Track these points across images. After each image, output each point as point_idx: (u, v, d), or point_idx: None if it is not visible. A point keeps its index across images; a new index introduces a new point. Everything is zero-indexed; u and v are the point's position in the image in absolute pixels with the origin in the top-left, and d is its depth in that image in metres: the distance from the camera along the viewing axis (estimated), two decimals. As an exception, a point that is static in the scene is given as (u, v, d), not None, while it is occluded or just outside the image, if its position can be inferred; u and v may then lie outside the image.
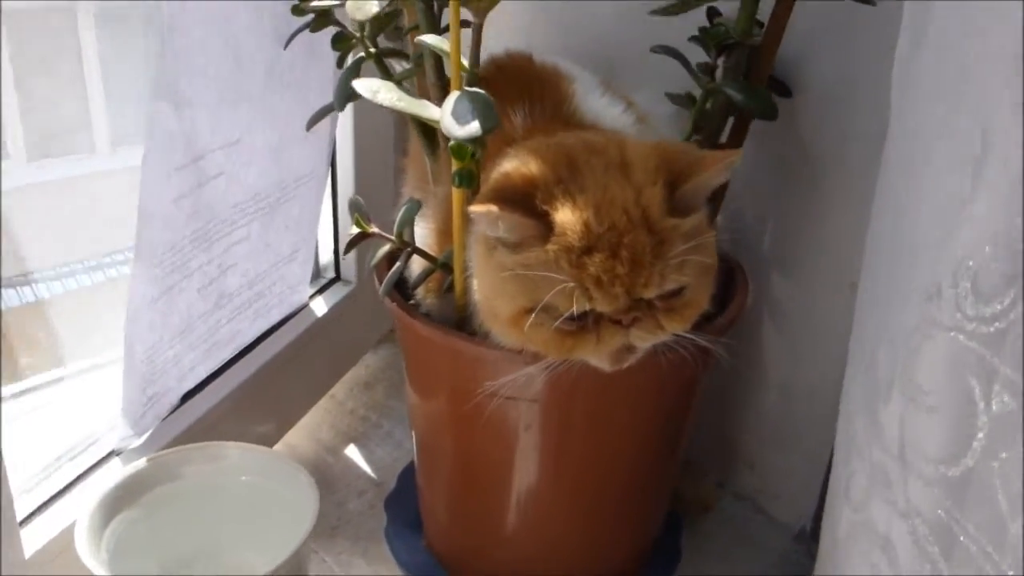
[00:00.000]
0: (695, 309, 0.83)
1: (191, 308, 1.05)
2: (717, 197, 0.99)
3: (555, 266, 0.77)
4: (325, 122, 1.11)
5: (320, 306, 1.30)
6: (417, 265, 0.97)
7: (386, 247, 0.94)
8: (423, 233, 0.98)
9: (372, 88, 0.83)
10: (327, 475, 1.27)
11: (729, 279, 1.01)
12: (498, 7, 0.82)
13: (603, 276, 0.77)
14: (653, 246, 0.77)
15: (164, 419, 1.08)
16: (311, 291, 1.32)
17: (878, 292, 0.74)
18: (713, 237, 0.85)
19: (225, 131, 0.97)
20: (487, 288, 0.84)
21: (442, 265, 0.94)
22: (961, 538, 0.66)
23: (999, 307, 0.62)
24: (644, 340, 0.82)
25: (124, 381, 0.99)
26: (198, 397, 1.12)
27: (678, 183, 0.80)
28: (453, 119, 0.77)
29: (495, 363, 0.88)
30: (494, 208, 0.76)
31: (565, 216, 0.78)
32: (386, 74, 0.97)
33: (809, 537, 1.20)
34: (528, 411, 0.93)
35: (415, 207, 0.93)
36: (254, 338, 1.20)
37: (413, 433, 1.09)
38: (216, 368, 1.15)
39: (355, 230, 0.93)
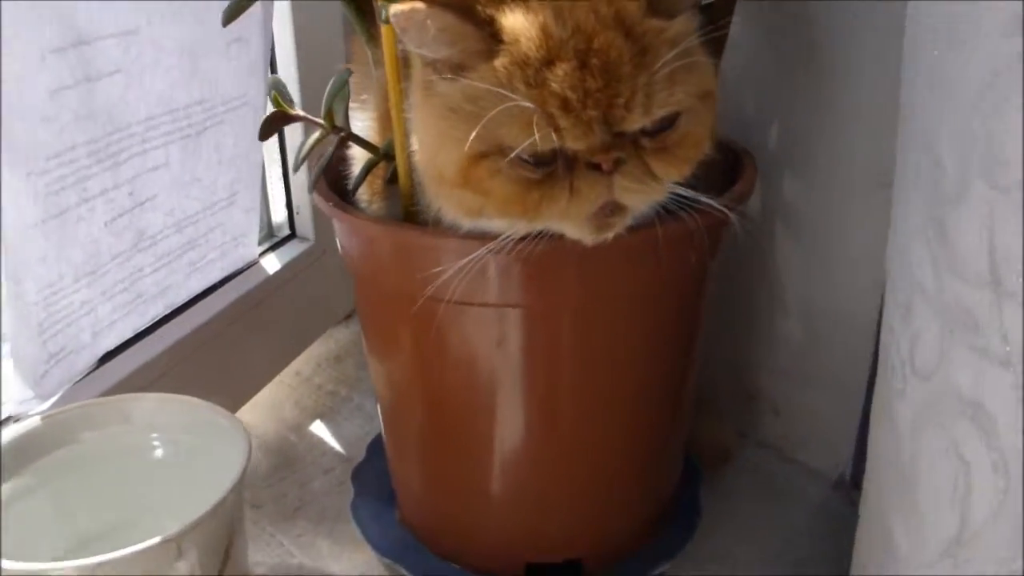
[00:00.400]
0: (694, 149, 0.64)
1: (98, 244, 0.85)
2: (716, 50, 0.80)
3: (508, 87, 0.59)
4: (256, 36, 0.94)
5: (272, 263, 1.12)
6: (359, 163, 0.79)
7: (315, 134, 0.75)
8: (365, 125, 0.80)
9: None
10: (289, 455, 1.07)
11: (734, 165, 0.83)
12: None
13: (571, 94, 0.58)
14: (633, 54, 0.59)
15: (77, 383, 0.88)
16: (263, 248, 1.12)
17: (936, 57, 0.54)
18: (708, 60, 0.65)
19: (115, 13, 0.78)
20: (430, 141, 0.66)
21: (384, 155, 0.75)
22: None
23: None
24: (632, 193, 0.62)
25: (13, 327, 0.79)
26: (121, 358, 0.92)
27: None
28: None
29: (443, 250, 0.68)
30: (420, 5, 0.57)
31: (516, 20, 0.60)
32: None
33: (850, 484, 1.00)
34: (498, 321, 0.73)
35: (344, 79, 0.74)
36: (192, 295, 1.01)
37: (375, 388, 0.88)
38: (146, 327, 0.95)
39: (272, 110, 0.73)
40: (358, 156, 0.79)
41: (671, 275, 0.74)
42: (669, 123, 0.62)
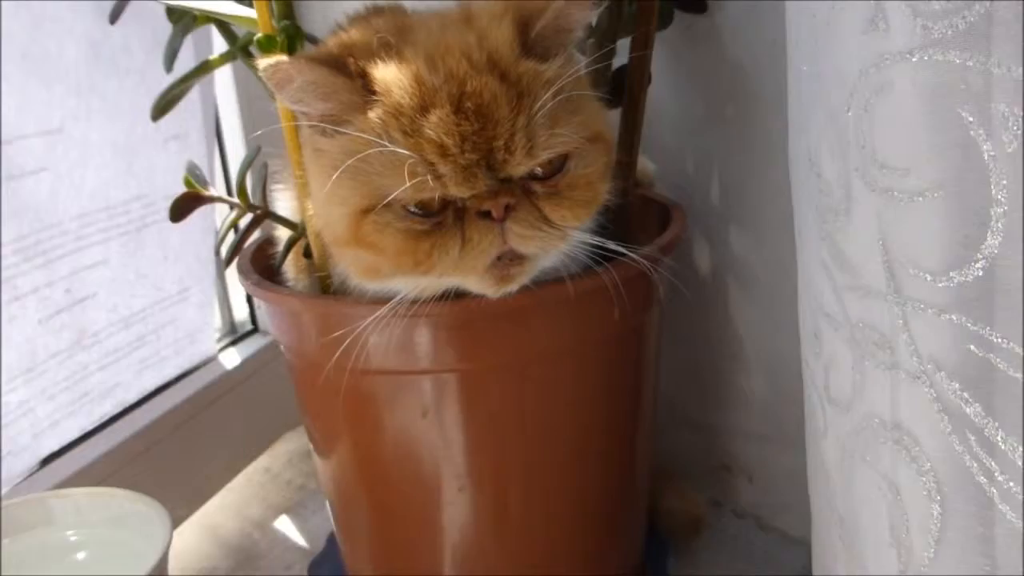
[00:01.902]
0: (588, 191, 0.61)
1: (34, 342, 0.82)
2: (631, 128, 0.77)
3: (385, 137, 0.56)
4: (196, 131, 0.93)
5: (232, 359, 1.08)
6: (284, 242, 0.76)
7: (230, 215, 0.72)
8: (288, 205, 0.77)
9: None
10: (251, 552, 1.01)
11: (664, 220, 0.79)
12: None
13: (447, 139, 0.55)
14: (510, 97, 0.56)
15: (17, 484, 0.83)
16: (222, 343, 1.08)
17: (806, 72, 0.50)
18: (597, 100, 0.62)
19: (38, 113, 0.77)
20: (321, 201, 0.63)
21: (303, 230, 0.72)
22: (1010, 371, 0.40)
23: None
24: (528, 240, 0.59)
25: (-61, 429, 0.76)
26: (66, 458, 0.88)
27: (532, 22, 0.59)
28: None
29: (350, 317, 0.64)
30: (285, 58, 0.55)
31: (388, 71, 0.57)
32: (230, 37, 0.78)
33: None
34: (417, 389, 0.68)
35: (252, 155, 0.71)
36: (144, 393, 0.97)
37: (320, 478, 0.83)
38: (93, 427, 0.91)
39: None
40: (284, 237, 0.76)
41: (596, 331, 0.69)
42: (559, 167, 0.59)
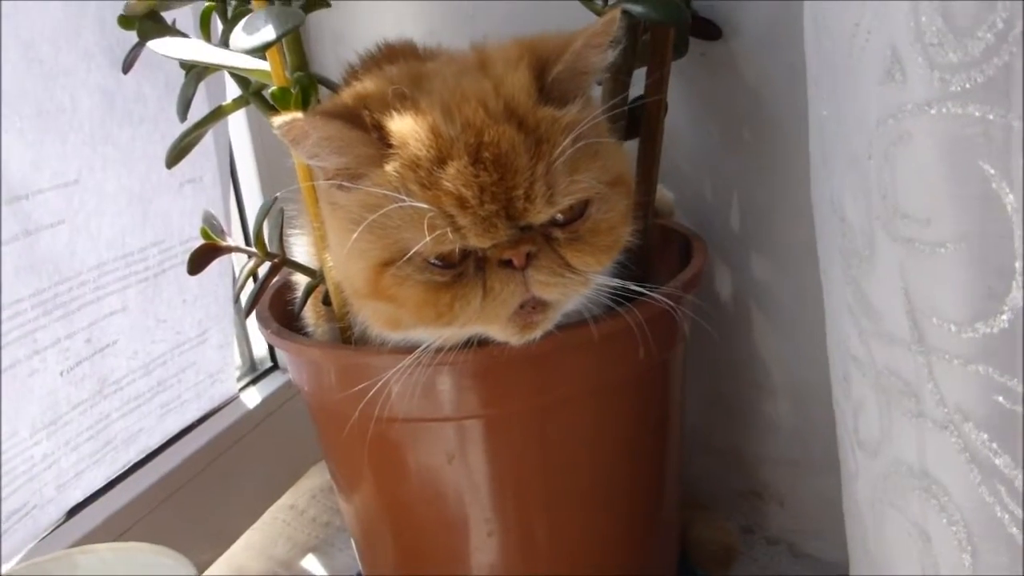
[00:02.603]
0: (609, 236, 0.62)
1: (56, 394, 0.83)
2: (648, 164, 0.78)
3: (403, 190, 0.57)
4: (211, 173, 0.94)
5: (253, 398, 1.09)
6: (303, 288, 0.77)
7: (248, 263, 0.73)
8: (305, 250, 0.78)
9: (165, 44, 0.64)
10: (278, 593, 1.01)
11: (685, 251, 0.80)
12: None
13: (465, 191, 0.56)
14: (528, 145, 0.57)
15: (43, 538, 0.84)
16: (243, 382, 1.10)
17: (826, 116, 0.51)
18: (617, 144, 0.63)
19: (53, 167, 0.78)
20: (339, 254, 0.64)
21: (321, 277, 0.73)
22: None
23: (989, 35, 0.38)
24: (551, 287, 0.59)
25: (-35, 487, 0.77)
26: (91, 508, 0.89)
27: (548, 67, 0.60)
28: (243, 32, 0.58)
29: (372, 367, 0.65)
30: (299, 115, 0.56)
31: (404, 123, 0.58)
32: (243, 83, 0.79)
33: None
34: (442, 436, 0.69)
35: (268, 204, 0.73)
36: (167, 438, 0.98)
37: (346, 520, 0.84)
38: (118, 475, 0.92)
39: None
40: (302, 281, 0.78)
41: (620, 371, 0.70)
42: (580, 212, 0.60)
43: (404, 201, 0.56)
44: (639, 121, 0.78)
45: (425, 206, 0.56)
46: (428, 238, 0.56)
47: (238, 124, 1.04)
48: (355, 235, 0.59)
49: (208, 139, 0.93)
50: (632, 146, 0.78)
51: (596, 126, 0.60)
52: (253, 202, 1.07)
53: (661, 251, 0.81)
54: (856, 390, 0.52)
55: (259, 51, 0.59)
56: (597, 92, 0.75)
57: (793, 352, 0.92)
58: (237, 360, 1.11)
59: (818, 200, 0.56)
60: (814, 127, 0.55)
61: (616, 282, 0.63)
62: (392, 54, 0.77)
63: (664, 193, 0.87)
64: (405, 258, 0.57)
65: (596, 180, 0.59)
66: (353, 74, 0.80)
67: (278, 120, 0.56)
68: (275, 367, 1.15)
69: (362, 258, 0.60)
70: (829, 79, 0.49)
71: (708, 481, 1.01)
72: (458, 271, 0.59)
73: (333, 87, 0.78)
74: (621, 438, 0.73)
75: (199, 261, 0.72)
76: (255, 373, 1.14)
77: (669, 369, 0.76)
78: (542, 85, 0.60)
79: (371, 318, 0.65)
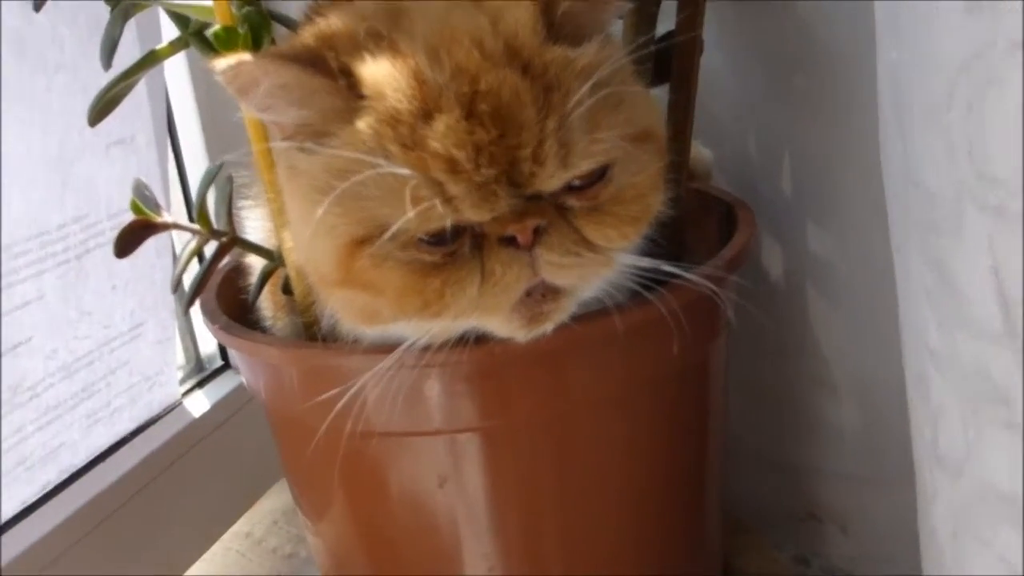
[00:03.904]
0: (636, 204, 0.61)
1: (-43, 404, 0.83)
2: (681, 116, 0.78)
3: (379, 151, 0.57)
4: (144, 132, 0.94)
5: (200, 404, 1.10)
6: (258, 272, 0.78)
7: (191, 243, 0.74)
8: (259, 224, 0.78)
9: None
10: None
11: (727, 221, 0.81)
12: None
13: (457, 152, 0.56)
14: (536, 95, 0.57)
15: (-50, 575, 0.85)
16: (187, 385, 1.11)
17: (896, 60, 0.51)
18: (644, 92, 0.64)
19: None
20: (301, 232, 0.64)
21: (281, 259, 0.73)
22: None
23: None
24: (564, 269, 0.60)
25: None
26: (7, 538, 0.89)
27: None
28: None
29: (344, 370, 0.65)
30: (246, 57, 0.56)
31: (379, 68, 0.58)
32: (181, 22, 0.78)
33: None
34: (431, 454, 0.70)
35: (213, 171, 0.73)
36: (95, 453, 0.99)
37: (314, 553, 0.84)
38: (35, 499, 0.93)
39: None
40: (256, 264, 0.78)
41: (650, 371, 0.71)
42: (599, 176, 0.59)
43: (381, 166, 0.56)
44: (669, 64, 0.78)
45: (407, 172, 0.55)
46: (411, 212, 0.55)
47: (177, 72, 1.03)
48: (321, 208, 0.58)
49: (140, 90, 0.93)
50: (661, 94, 0.78)
51: (619, 70, 0.60)
52: (196, 168, 1.06)
53: (698, 222, 0.81)
54: (935, 394, 0.52)
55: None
56: (618, 29, 0.75)
57: (860, 342, 0.92)
58: (180, 358, 1.11)
59: (889, 161, 0.56)
60: (883, 72, 0.55)
61: (645, 261, 0.62)
62: None
63: (700, 151, 0.87)
64: (384, 236, 0.57)
65: (620, 137, 0.59)
66: (316, 10, 0.80)
67: (221, 63, 0.56)
68: (226, 366, 1.16)
69: (330, 236, 0.59)
70: (900, 15, 0.49)
71: (755, 500, 1.02)
72: (450, 250, 0.58)
73: (292, 25, 0.78)
74: (651, 452, 0.74)
75: (130, 241, 0.71)
76: (202, 374, 1.14)
77: (709, 366, 0.76)
78: (551, 20, 0.59)
79: (342, 310, 0.65)
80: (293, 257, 0.68)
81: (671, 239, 0.70)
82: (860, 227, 0.87)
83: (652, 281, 0.64)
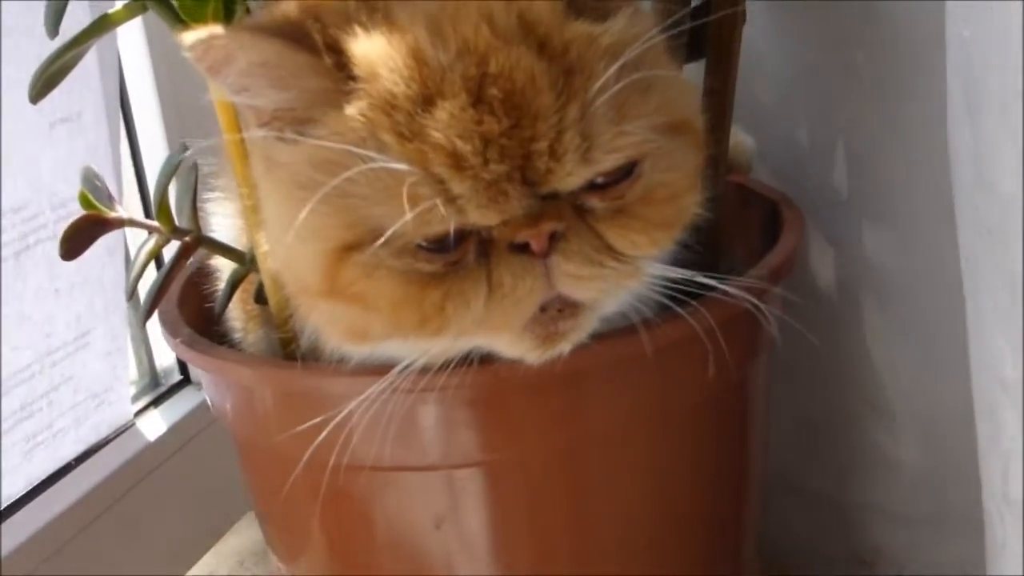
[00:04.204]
0: (669, 206, 0.62)
1: None
2: (720, 99, 0.78)
3: (372, 143, 0.57)
4: (93, 108, 0.95)
5: (156, 424, 1.10)
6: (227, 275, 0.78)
7: (148, 242, 0.73)
8: (229, 222, 0.78)
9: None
10: None
11: (771, 221, 0.81)
12: None
13: (463, 144, 0.56)
14: (555, 78, 0.57)
15: None
16: (141, 402, 1.11)
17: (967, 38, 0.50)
18: (678, 74, 0.65)
19: None
20: (279, 234, 0.63)
21: (254, 262, 0.73)
22: None
23: None
24: (584, 282, 0.59)
25: None
26: (-67, 583, 0.89)
27: None
28: None
29: (323, 393, 0.66)
30: (219, 30, 0.56)
31: (373, 44, 0.58)
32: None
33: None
34: (427, 491, 0.70)
35: (176, 160, 0.73)
36: (34, 484, 0.99)
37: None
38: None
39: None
40: (225, 267, 0.78)
41: (683, 396, 0.71)
42: (627, 173, 0.59)
43: (374, 160, 0.55)
44: (705, 38, 0.78)
45: (404, 167, 0.55)
46: (409, 214, 0.55)
47: (132, 39, 1.03)
48: (304, 208, 0.58)
49: (90, 60, 0.93)
50: (696, 71, 0.78)
51: (651, 50, 0.60)
52: (153, 151, 1.06)
53: (737, 221, 0.82)
54: (1008, 431, 0.53)
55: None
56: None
57: (922, 364, 0.93)
58: (132, 372, 1.11)
59: (958, 158, 0.56)
60: (953, 53, 0.55)
61: (676, 272, 0.62)
62: None
63: (741, 139, 0.88)
64: (377, 243, 0.57)
65: (651, 128, 0.58)
66: None
67: (190, 37, 0.55)
68: (186, 381, 1.16)
69: (313, 240, 0.59)
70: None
71: (798, 542, 1.03)
72: (452, 258, 0.58)
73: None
74: (681, 489, 0.74)
75: (78, 240, 0.71)
76: (158, 390, 1.15)
77: (749, 389, 0.77)
78: None
79: (326, 325, 0.64)
80: (268, 263, 0.68)
81: (707, 242, 0.70)
82: (926, 229, 0.88)
83: (684, 293, 0.64)
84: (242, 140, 0.66)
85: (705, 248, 0.69)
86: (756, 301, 0.65)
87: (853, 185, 0.91)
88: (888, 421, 0.96)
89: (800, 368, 0.94)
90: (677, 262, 0.64)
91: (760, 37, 0.88)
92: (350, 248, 0.59)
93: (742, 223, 0.82)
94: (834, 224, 0.92)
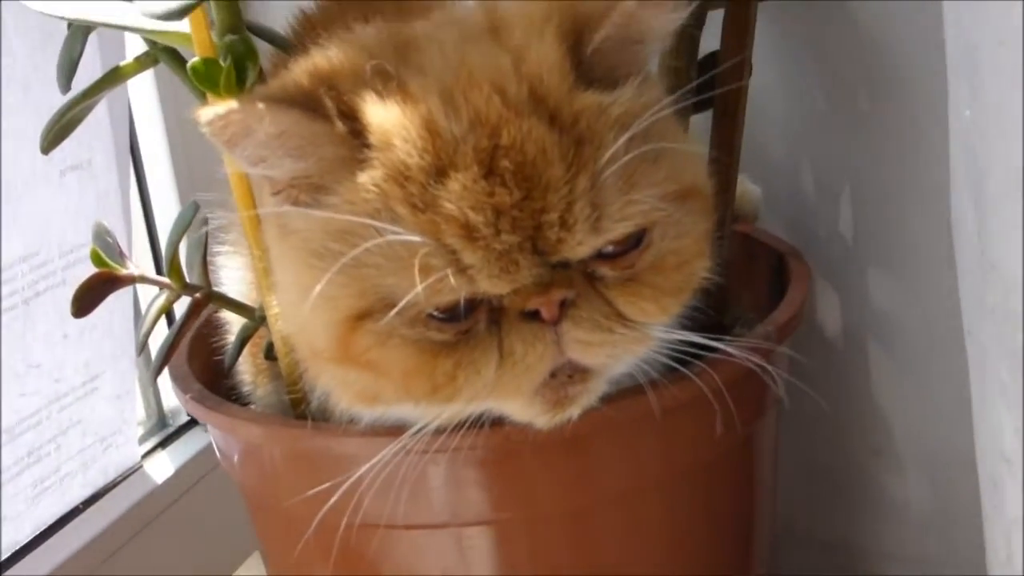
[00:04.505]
0: (679, 273, 0.63)
1: None
2: (726, 152, 0.79)
3: (385, 213, 0.58)
4: (104, 155, 0.96)
5: (164, 467, 1.10)
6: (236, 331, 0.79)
7: (159, 299, 0.74)
8: (240, 275, 0.79)
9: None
10: None
11: (778, 272, 0.82)
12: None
13: (475, 215, 0.57)
14: (565, 149, 0.58)
15: None
16: (148, 444, 1.11)
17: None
18: (687, 138, 0.66)
19: None
20: (292, 299, 0.64)
21: (263, 318, 0.74)
22: None
23: None
24: (594, 348, 0.60)
25: None
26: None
27: (587, 33, 0.60)
28: None
29: (334, 455, 0.67)
30: (235, 105, 0.56)
31: (389, 114, 0.59)
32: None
33: None
34: (438, 549, 0.71)
35: (188, 216, 0.74)
36: (41, 528, 0.99)
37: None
38: (-25, 582, 0.93)
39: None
40: (235, 321, 0.79)
41: (689, 455, 0.72)
42: (636, 241, 0.60)
43: (387, 231, 0.56)
44: (711, 89, 0.79)
45: (417, 238, 0.56)
46: (420, 286, 0.56)
47: (143, 89, 1.04)
48: (318, 276, 0.59)
49: (101, 108, 0.93)
50: (701, 121, 0.79)
51: (660, 119, 0.60)
52: (164, 198, 1.07)
53: (743, 272, 0.82)
54: (1010, 505, 0.53)
55: (175, 17, 0.59)
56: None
57: (929, 408, 0.93)
58: (140, 413, 1.11)
59: (960, 233, 0.56)
60: (956, 131, 0.55)
61: (684, 335, 0.63)
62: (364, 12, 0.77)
63: (747, 187, 0.88)
64: (390, 311, 0.58)
65: (660, 196, 0.59)
66: (307, 24, 0.81)
67: (207, 113, 0.56)
68: (194, 422, 1.15)
69: (326, 308, 0.60)
70: (982, 62, 0.49)
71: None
72: (464, 327, 0.59)
73: (277, 41, 0.78)
74: (690, 545, 0.75)
75: (89, 299, 0.72)
76: (165, 431, 1.14)
77: (756, 445, 0.77)
78: (579, 59, 0.60)
79: (337, 389, 0.65)
80: (279, 325, 0.68)
81: (714, 299, 0.70)
82: (932, 277, 0.88)
83: (691, 353, 0.65)
84: (250, 191, 0.67)
85: (711, 304, 0.69)
86: (762, 363, 0.66)
87: (860, 232, 0.91)
88: (894, 466, 0.97)
89: (809, 416, 0.94)
90: (684, 323, 0.65)
91: (766, 84, 0.88)
92: (362, 316, 0.59)
93: (748, 274, 0.82)
94: (841, 272, 0.92)
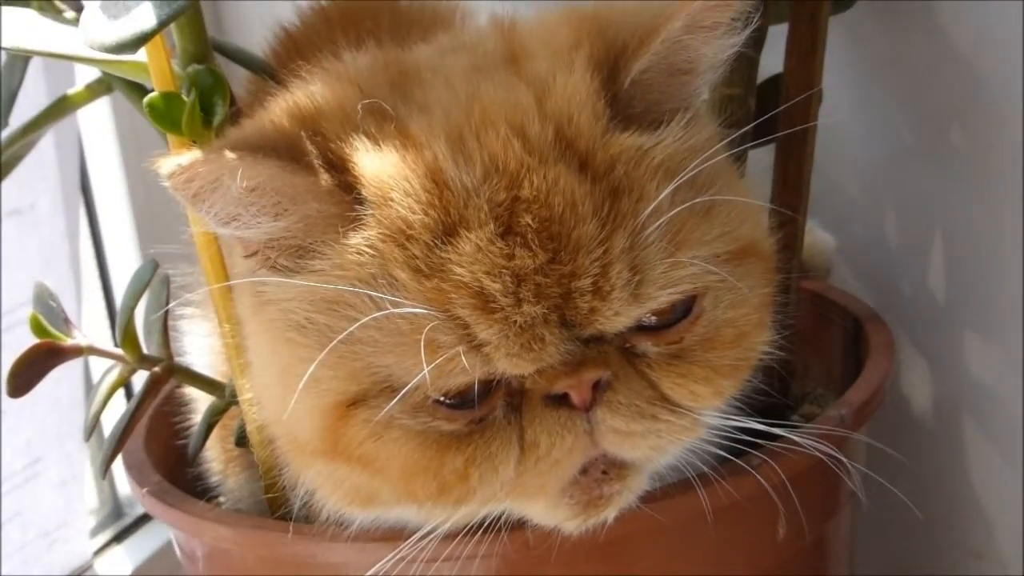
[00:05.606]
0: (735, 348, 0.62)
1: None
2: (792, 195, 0.79)
3: (384, 281, 0.57)
4: (51, 199, 0.97)
5: (119, 564, 1.11)
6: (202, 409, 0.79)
7: (112, 373, 0.74)
8: (204, 343, 0.79)
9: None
10: None
11: (855, 339, 0.81)
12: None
13: (492, 283, 0.56)
14: (598, 202, 0.57)
15: None
16: (101, 539, 1.12)
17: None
18: (744, 186, 0.65)
19: None
20: (270, 381, 0.64)
21: (234, 396, 0.74)
22: None
23: None
24: (633, 439, 0.60)
25: None
26: None
27: (624, 62, 0.60)
28: (101, 14, 0.59)
29: (318, 564, 0.66)
30: (199, 155, 0.56)
31: (384, 162, 0.58)
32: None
33: None
34: None
35: (145, 277, 0.73)
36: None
37: None
38: None
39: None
40: (201, 398, 0.79)
41: (748, 562, 0.71)
42: (685, 311, 0.60)
43: (384, 302, 0.56)
44: (774, 118, 0.78)
45: (421, 310, 0.56)
46: (427, 368, 0.55)
47: (97, 121, 1.05)
48: (300, 355, 0.59)
49: (46, 145, 0.94)
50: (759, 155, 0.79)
51: (714, 165, 0.60)
52: (121, 249, 1.07)
53: (812, 339, 0.82)
54: None
55: (128, 49, 0.59)
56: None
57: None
58: (91, 501, 1.11)
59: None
60: None
61: (738, 421, 0.63)
62: (352, 15, 0.77)
63: (818, 237, 0.88)
64: (389, 398, 0.57)
65: (712, 257, 0.59)
66: (288, 44, 0.81)
67: (168, 165, 0.56)
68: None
69: (312, 392, 0.59)
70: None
71: None
72: (477, 415, 0.59)
73: (253, 65, 0.79)
74: None
75: (28, 375, 0.71)
76: (121, 522, 1.15)
77: (827, 550, 0.77)
78: (615, 94, 0.60)
79: (324, 487, 0.64)
80: (255, 413, 0.68)
81: (776, 371, 0.70)
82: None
83: (747, 442, 0.64)
84: (220, 256, 0.67)
85: (773, 380, 0.69)
86: (834, 452, 0.65)
87: (951, 288, 0.91)
88: (998, 566, 0.96)
89: (889, 514, 0.93)
90: (739, 405, 0.65)
91: (840, 113, 0.89)
92: (355, 403, 0.59)
93: (819, 341, 0.82)
94: (930, 335, 0.92)
